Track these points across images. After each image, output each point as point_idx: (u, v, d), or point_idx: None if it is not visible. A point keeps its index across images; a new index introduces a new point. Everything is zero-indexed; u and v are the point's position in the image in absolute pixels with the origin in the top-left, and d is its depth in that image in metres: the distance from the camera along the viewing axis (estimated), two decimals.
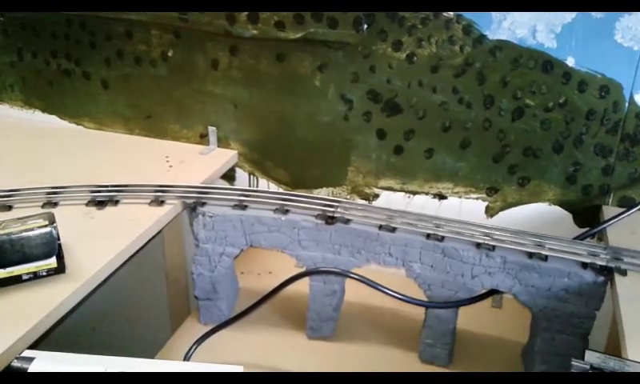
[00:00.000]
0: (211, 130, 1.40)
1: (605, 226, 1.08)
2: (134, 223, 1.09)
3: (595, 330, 1.02)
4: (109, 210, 1.13)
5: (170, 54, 1.37)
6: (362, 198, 1.34)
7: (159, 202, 1.15)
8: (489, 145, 1.19)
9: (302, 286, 1.16)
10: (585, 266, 0.98)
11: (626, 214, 1.07)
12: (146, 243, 1.11)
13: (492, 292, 1.06)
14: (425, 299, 1.09)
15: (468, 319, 1.14)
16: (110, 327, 1.55)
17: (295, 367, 1.13)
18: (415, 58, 1.18)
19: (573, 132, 1.14)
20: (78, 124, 1.54)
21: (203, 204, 1.15)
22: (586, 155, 1.14)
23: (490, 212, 1.25)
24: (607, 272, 0.97)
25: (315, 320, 1.18)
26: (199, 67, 1.35)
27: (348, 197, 1.35)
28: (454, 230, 1.05)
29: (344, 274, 1.11)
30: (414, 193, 1.29)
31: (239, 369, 0.77)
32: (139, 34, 1.37)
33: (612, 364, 0.75)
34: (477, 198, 1.25)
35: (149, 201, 1.15)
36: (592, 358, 0.76)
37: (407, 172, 1.28)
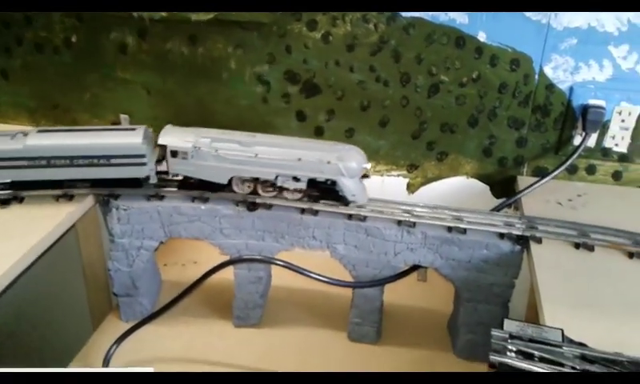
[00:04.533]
0: (124, 118, 1.33)
1: (519, 196, 1.11)
2: (42, 221, 1.02)
3: (515, 297, 1.05)
4: (13, 208, 1.06)
5: (73, 39, 1.29)
6: None
7: (68, 197, 1.08)
8: (407, 122, 1.20)
9: (228, 274, 1.13)
10: (502, 236, 1.01)
11: (539, 184, 1.11)
12: (57, 240, 1.05)
13: (415, 267, 1.08)
14: (350, 279, 1.09)
15: (395, 295, 1.16)
16: (28, 330, 1.47)
17: (223, 358, 1.11)
18: (331, 38, 1.16)
19: (486, 106, 1.16)
20: None
21: (116, 197, 1.09)
22: (500, 128, 1.17)
23: (411, 188, 1.26)
24: (523, 241, 1.00)
25: (242, 308, 1.16)
26: (107, 52, 1.28)
27: None
28: (375, 209, 1.05)
29: (268, 261, 1.09)
30: None
31: (149, 370, 0.74)
32: (39, 19, 1.28)
33: (530, 331, 0.77)
34: (398, 176, 1.26)
35: (57, 196, 1.08)
36: (511, 326, 0.78)
37: None
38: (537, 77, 1.12)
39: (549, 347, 0.74)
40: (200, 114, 1.28)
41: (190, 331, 1.16)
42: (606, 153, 1.14)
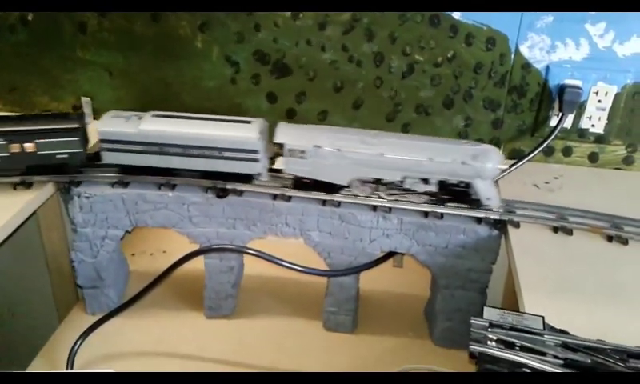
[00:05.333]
0: (85, 100, 1.27)
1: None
2: None
3: (492, 283, 1.04)
4: None
5: (29, 17, 1.21)
6: None
7: (27, 185, 1.02)
8: (381, 104, 1.17)
9: (198, 264, 1.09)
10: (479, 220, 0.98)
11: (515, 167, 1.08)
12: (16, 230, 1.00)
13: (390, 254, 1.05)
14: (326, 268, 1.06)
15: (370, 282, 1.13)
16: None
17: (195, 351, 1.07)
18: (301, 15, 1.11)
19: (462, 87, 1.13)
20: None
21: (78, 183, 1.04)
22: (476, 109, 1.15)
23: None
24: (501, 225, 0.98)
25: (213, 298, 1.12)
26: (65, 31, 1.21)
27: None
28: (349, 194, 1.01)
29: (240, 250, 1.05)
30: None
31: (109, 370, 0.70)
32: None
33: (510, 319, 0.75)
34: None
35: (14, 184, 1.02)
36: (491, 314, 0.76)
37: None
38: (513, 56, 1.09)
39: (530, 336, 0.72)
40: (165, 96, 1.23)
41: (159, 324, 1.12)
42: (582, 134, 1.12)
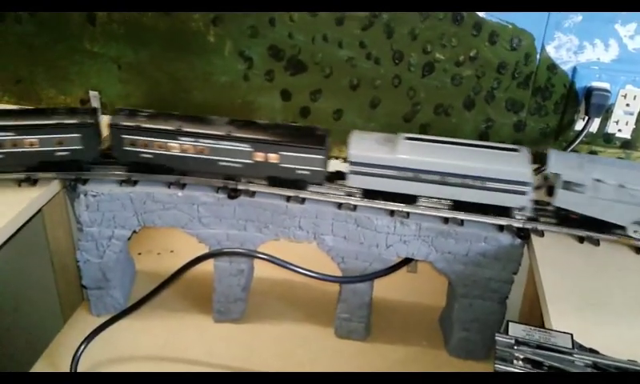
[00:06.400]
0: (93, 94, 1.23)
1: None
2: (3, 207, 0.94)
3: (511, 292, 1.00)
4: None
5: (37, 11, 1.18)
6: None
7: (32, 182, 0.99)
8: (399, 103, 1.12)
9: (207, 266, 1.06)
10: (501, 228, 0.94)
11: (538, 172, 1.04)
12: (21, 228, 0.97)
13: (407, 260, 1.01)
14: (339, 272, 1.02)
15: (384, 287, 1.09)
16: None
17: (202, 356, 1.04)
18: None
19: (484, 87, 1.09)
20: None
21: (85, 181, 1.00)
22: (498, 111, 1.10)
23: None
24: (524, 234, 0.93)
25: (222, 302, 1.09)
26: (73, 22, 1.17)
27: None
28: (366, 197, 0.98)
29: (251, 255, 1.02)
30: None
31: None
32: None
33: (537, 336, 0.71)
34: None
35: (19, 181, 0.99)
36: (516, 331, 0.72)
37: None
38: (538, 56, 1.05)
39: (558, 355, 0.68)
40: (174, 90, 1.19)
41: (166, 327, 1.09)
42: (608, 139, 1.08)
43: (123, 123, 0.97)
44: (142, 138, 0.97)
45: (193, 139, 0.96)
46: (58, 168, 1.00)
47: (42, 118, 0.98)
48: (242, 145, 0.95)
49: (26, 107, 1.12)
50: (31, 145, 0.97)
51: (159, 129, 0.96)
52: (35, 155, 0.98)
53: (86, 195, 1.00)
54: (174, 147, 0.96)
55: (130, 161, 0.99)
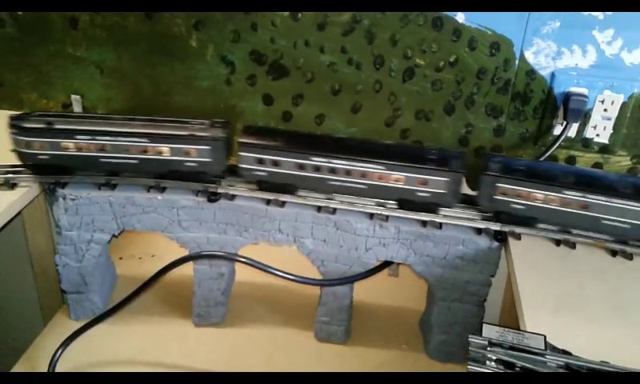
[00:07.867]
0: (75, 98, 1.23)
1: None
2: None
3: (490, 295, 1.00)
4: None
5: (19, 11, 1.18)
6: None
7: (10, 185, 0.99)
8: (380, 108, 1.13)
9: (187, 269, 1.06)
10: (479, 231, 0.95)
11: None
12: (0, 231, 0.96)
13: (386, 263, 1.01)
14: (319, 276, 1.03)
15: (364, 291, 1.10)
16: None
17: (182, 360, 1.03)
18: (300, 15, 1.08)
19: (464, 92, 1.09)
20: None
21: (63, 185, 1.00)
22: (478, 116, 1.11)
23: None
24: (502, 237, 0.94)
25: (202, 306, 1.08)
26: (55, 26, 1.17)
27: None
28: (345, 201, 0.98)
29: (230, 258, 1.02)
30: None
31: None
32: None
33: (510, 337, 0.71)
34: None
35: None
36: (490, 332, 0.72)
37: None
38: (517, 62, 1.06)
39: (531, 356, 0.68)
40: (156, 94, 1.19)
41: (145, 331, 1.08)
42: (586, 143, 1.09)
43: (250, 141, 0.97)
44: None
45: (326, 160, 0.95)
46: (186, 178, 1.00)
47: (174, 129, 0.97)
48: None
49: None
50: (161, 153, 0.97)
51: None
52: (165, 164, 0.97)
53: (64, 199, 1.00)
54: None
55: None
